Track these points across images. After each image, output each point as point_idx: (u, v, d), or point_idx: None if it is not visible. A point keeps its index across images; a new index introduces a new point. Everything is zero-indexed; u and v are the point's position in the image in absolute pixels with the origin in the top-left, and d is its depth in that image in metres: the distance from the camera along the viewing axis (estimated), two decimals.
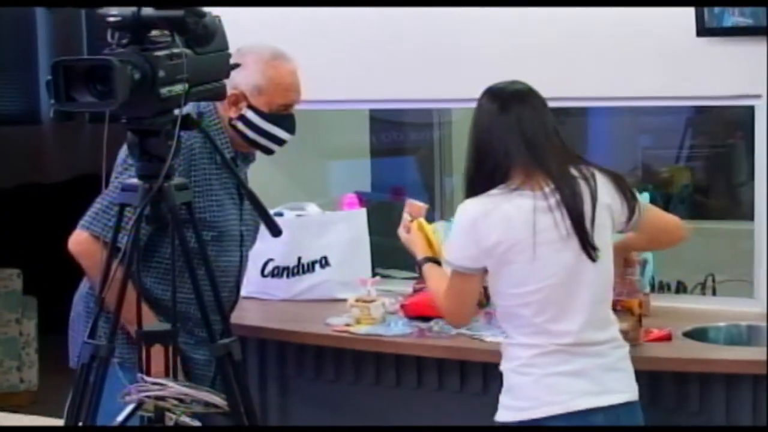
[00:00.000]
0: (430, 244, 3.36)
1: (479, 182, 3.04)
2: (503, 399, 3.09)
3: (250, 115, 3.36)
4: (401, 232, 3.45)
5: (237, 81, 3.28)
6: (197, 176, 3.26)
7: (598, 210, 3.02)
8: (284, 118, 3.42)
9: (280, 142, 3.44)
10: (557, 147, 3.04)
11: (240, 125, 3.38)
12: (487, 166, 3.03)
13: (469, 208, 3.03)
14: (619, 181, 3.11)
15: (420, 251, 3.35)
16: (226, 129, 3.37)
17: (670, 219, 3.37)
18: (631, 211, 3.11)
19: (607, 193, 3.06)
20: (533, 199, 2.99)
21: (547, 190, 2.99)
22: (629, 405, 3.06)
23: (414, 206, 3.48)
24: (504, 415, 3.08)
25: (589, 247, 2.99)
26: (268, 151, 3.47)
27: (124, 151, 3.11)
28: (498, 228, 2.99)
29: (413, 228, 3.42)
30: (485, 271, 3.06)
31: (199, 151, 3.27)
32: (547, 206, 2.98)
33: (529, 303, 3.02)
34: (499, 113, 3.04)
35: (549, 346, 3.02)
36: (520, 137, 3.01)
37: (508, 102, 3.06)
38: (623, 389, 3.06)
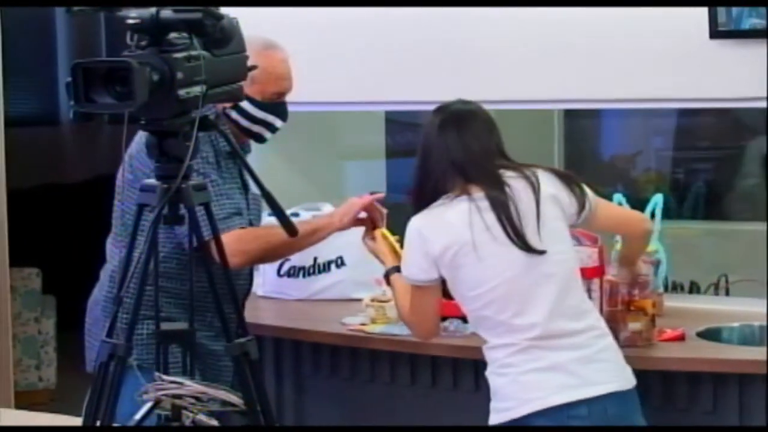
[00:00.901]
0: (395, 252, 3.36)
1: (423, 198, 3.12)
2: (491, 403, 3.11)
3: (244, 104, 3.36)
4: (366, 240, 3.47)
5: None
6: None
7: (542, 201, 3.05)
8: (277, 106, 3.44)
9: (273, 129, 3.47)
10: (495, 164, 3.09)
11: (234, 114, 3.40)
12: (428, 184, 3.12)
13: (415, 222, 3.11)
14: (564, 177, 3.16)
15: (387, 261, 3.37)
16: (224, 121, 3.38)
17: (630, 212, 3.48)
18: (581, 204, 3.13)
19: (550, 184, 3.10)
20: (468, 202, 3.04)
21: (480, 194, 3.05)
22: (617, 395, 3.02)
23: (376, 211, 3.48)
24: (492, 418, 3.09)
25: (524, 243, 3.01)
26: (261, 139, 3.49)
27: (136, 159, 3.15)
28: (442, 235, 3.05)
29: (377, 237, 3.44)
30: (442, 281, 3.11)
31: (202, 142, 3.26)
32: (481, 208, 3.03)
33: (488, 303, 3.04)
34: (437, 134, 3.12)
35: (521, 342, 3.02)
36: (452, 160, 3.08)
37: (446, 122, 3.13)
38: (608, 380, 3.02)
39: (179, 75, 2.53)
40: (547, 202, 3.07)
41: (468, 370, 3.67)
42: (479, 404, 3.45)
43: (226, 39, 2.67)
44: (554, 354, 3.01)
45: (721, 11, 3.80)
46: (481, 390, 3.63)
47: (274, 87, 3.42)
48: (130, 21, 2.54)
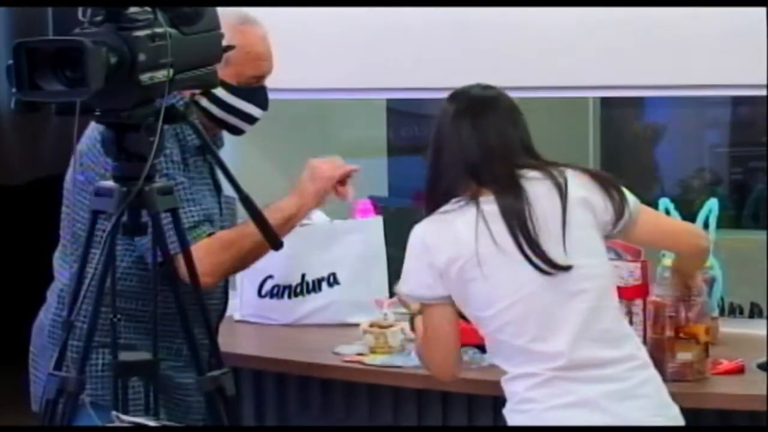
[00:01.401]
0: None
1: (434, 201, 3.13)
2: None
3: (218, 90, 3.33)
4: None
5: None
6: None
7: (570, 206, 3.04)
8: (255, 92, 3.44)
9: (252, 119, 3.46)
10: (515, 163, 3.09)
11: (204, 102, 3.36)
12: (440, 185, 3.13)
13: (418, 230, 3.12)
14: (600, 178, 3.14)
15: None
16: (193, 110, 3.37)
17: (681, 224, 3.46)
18: (619, 211, 3.12)
19: (581, 186, 3.09)
20: (476, 209, 3.05)
21: (490, 200, 3.05)
22: (691, 427, 3.06)
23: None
24: None
25: (542, 258, 3.00)
26: (238, 131, 3.49)
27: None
28: (448, 245, 3.06)
29: None
30: (450, 301, 3.10)
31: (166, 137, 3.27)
32: (489, 217, 3.03)
33: (503, 325, 3.05)
34: (450, 125, 3.13)
35: (543, 373, 3.02)
36: (466, 158, 3.09)
37: (461, 112, 3.14)
38: (647, 419, 3.01)
39: (141, 57, 2.54)
40: (576, 207, 3.06)
41: (485, 409, 3.67)
42: None
43: (196, 14, 2.68)
44: (583, 387, 3.01)
45: None
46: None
47: (252, 69, 3.42)
48: None
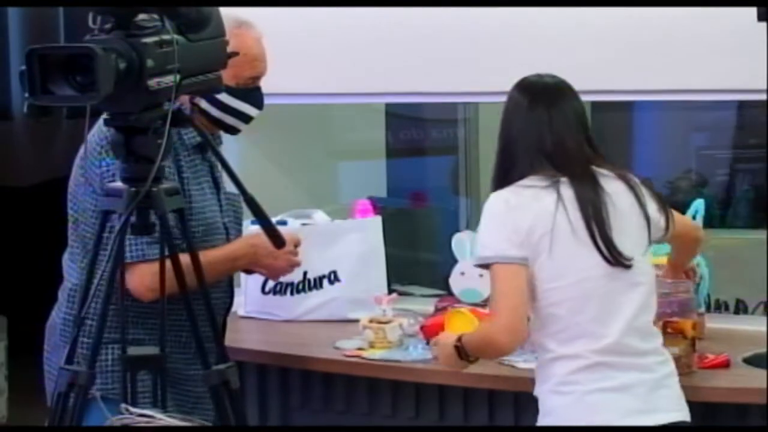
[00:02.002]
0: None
1: (507, 182, 3.14)
2: (540, 422, 3.13)
3: None
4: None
5: None
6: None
7: (637, 217, 3.12)
8: (251, 92, 3.45)
9: (248, 119, 3.47)
10: (585, 147, 3.14)
11: (203, 104, 3.38)
12: (514, 171, 3.14)
13: (501, 194, 3.13)
14: (657, 194, 3.24)
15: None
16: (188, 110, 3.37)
17: (688, 220, 3.55)
18: (667, 221, 3.22)
19: (647, 195, 3.17)
20: (556, 196, 3.07)
21: (566, 184, 3.08)
22: (681, 426, 3.09)
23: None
24: None
25: (612, 252, 3.06)
26: (234, 131, 3.50)
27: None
28: (531, 212, 3.07)
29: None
30: (527, 264, 3.07)
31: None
32: (568, 205, 3.07)
33: (563, 300, 3.07)
34: (525, 111, 3.14)
35: (587, 356, 3.05)
36: (543, 149, 3.11)
37: (536, 99, 3.15)
38: (673, 408, 3.11)
39: (149, 62, 2.53)
40: (642, 218, 3.14)
41: (481, 402, 3.67)
42: None
43: (202, 21, 2.68)
44: (623, 374, 3.06)
45: None
46: (496, 423, 3.64)
47: (249, 71, 3.42)
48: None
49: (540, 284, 3.09)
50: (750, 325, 4.09)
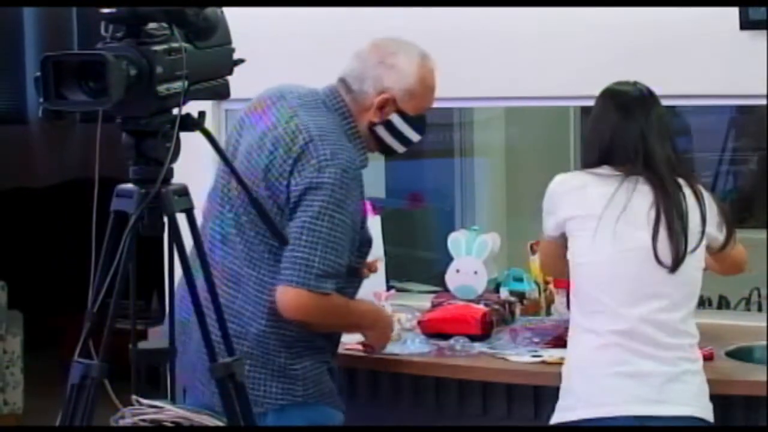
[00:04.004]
0: None
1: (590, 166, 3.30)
2: (559, 401, 3.23)
3: (396, 119, 3.39)
4: None
5: (388, 84, 3.35)
6: None
7: (696, 234, 3.20)
8: (421, 119, 3.46)
9: (409, 143, 3.48)
10: (667, 152, 3.25)
11: (381, 130, 3.40)
12: (601, 159, 3.28)
13: (557, 179, 3.35)
14: (724, 213, 3.31)
15: None
16: (362, 134, 3.38)
17: (742, 250, 3.53)
18: (726, 241, 3.30)
19: (709, 208, 3.24)
20: (620, 183, 3.20)
21: (642, 180, 3.20)
22: (695, 422, 3.13)
23: None
24: (556, 417, 3.22)
25: (664, 250, 3.14)
26: (393, 153, 3.52)
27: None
28: (572, 204, 3.25)
29: None
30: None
31: None
32: (637, 190, 3.19)
33: (592, 274, 3.20)
34: (614, 115, 3.27)
35: (607, 336, 3.13)
36: (635, 150, 3.23)
37: (625, 106, 3.28)
38: (686, 402, 3.13)
39: (159, 69, 2.52)
40: (699, 231, 3.21)
41: (476, 394, 3.67)
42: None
43: (209, 30, 2.67)
44: (640, 361, 3.12)
45: None
46: (489, 414, 3.64)
47: (428, 101, 3.46)
48: (105, 10, 2.54)
49: (577, 259, 3.25)
50: (732, 320, 4.10)
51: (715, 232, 3.27)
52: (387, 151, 3.48)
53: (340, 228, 3.18)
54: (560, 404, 3.21)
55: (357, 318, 3.45)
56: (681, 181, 3.22)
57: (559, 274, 3.49)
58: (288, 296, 3.17)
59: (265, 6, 4.43)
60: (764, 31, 3.85)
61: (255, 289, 3.26)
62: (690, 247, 3.17)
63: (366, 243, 3.32)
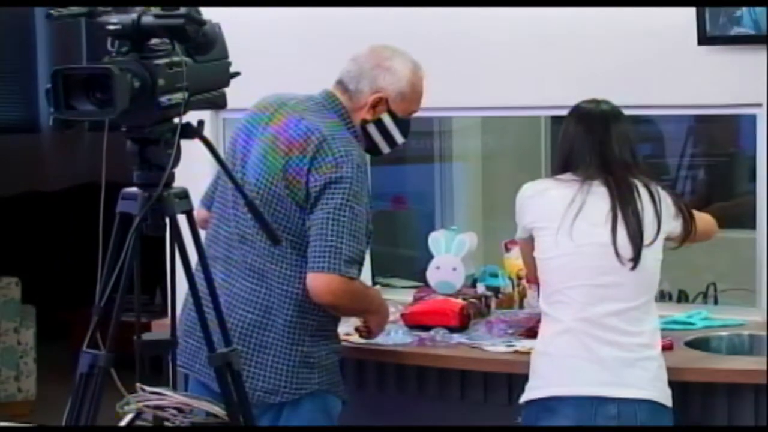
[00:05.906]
0: None
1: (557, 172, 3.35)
2: (528, 382, 3.27)
3: (386, 119, 3.40)
4: None
5: (383, 85, 3.37)
6: None
7: (651, 230, 3.22)
8: (406, 124, 3.47)
9: (395, 145, 3.49)
10: (628, 159, 3.29)
11: (371, 128, 3.41)
12: (569, 166, 3.33)
13: (526, 187, 3.39)
14: (681, 206, 3.35)
15: None
16: (358, 132, 3.39)
17: (709, 220, 3.63)
18: (686, 231, 3.34)
19: (666, 207, 3.28)
20: (580, 187, 3.24)
21: (599, 183, 3.24)
22: (651, 404, 3.14)
23: None
24: (524, 396, 3.25)
25: (623, 247, 3.18)
26: (378, 153, 3.51)
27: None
28: (535, 209, 3.30)
29: None
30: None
31: None
32: (593, 192, 3.23)
33: (554, 268, 3.25)
34: (579, 130, 3.32)
35: (570, 323, 3.17)
36: (593, 153, 3.29)
37: (590, 121, 3.34)
38: (644, 386, 3.15)
39: (161, 81, 2.52)
40: (656, 230, 3.23)
41: (455, 381, 3.67)
42: (465, 413, 3.46)
43: (208, 45, 2.67)
44: (599, 347, 3.14)
45: (711, 16, 3.82)
46: (467, 399, 3.64)
47: (416, 106, 3.47)
48: (111, 27, 2.53)
49: (539, 255, 3.31)
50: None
51: (673, 225, 3.30)
52: (373, 151, 3.47)
53: (359, 218, 3.20)
54: (529, 384, 3.25)
55: (369, 302, 3.47)
56: (637, 182, 3.25)
57: (534, 272, 3.50)
58: (320, 281, 3.18)
59: (253, 6, 4.42)
60: (718, 47, 3.86)
61: (279, 283, 3.26)
62: (646, 242, 3.19)
63: (369, 234, 3.33)
